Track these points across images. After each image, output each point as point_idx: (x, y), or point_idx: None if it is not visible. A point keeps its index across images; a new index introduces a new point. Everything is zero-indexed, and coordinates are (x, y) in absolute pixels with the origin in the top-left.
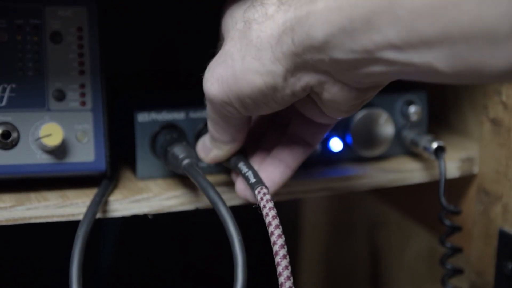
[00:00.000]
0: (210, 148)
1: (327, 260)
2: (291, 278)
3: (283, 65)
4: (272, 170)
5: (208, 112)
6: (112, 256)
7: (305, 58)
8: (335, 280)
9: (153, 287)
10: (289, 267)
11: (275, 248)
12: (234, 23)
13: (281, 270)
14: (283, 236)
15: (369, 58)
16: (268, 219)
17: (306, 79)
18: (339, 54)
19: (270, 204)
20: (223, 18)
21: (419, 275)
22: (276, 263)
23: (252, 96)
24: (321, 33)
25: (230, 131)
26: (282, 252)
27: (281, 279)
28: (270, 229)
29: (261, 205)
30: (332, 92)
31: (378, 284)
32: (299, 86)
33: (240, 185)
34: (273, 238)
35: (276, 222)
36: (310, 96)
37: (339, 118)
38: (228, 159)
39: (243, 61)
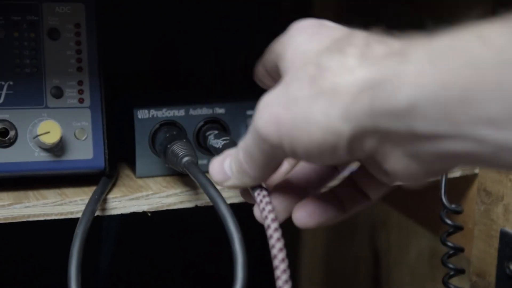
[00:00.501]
0: (229, 176)
1: (328, 260)
2: (289, 282)
3: (351, 125)
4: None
5: (248, 145)
6: (111, 254)
7: (378, 123)
8: (336, 280)
9: (152, 286)
10: (288, 271)
11: (274, 251)
12: (304, 63)
13: (280, 274)
14: (282, 239)
15: (456, 134)
16: (267, 222)
17: (370, 146)
18: (420, 126)
19: (270, 207)
20: (289, 47)
21: (420, 275)
22: (274, 266)
23: (307, 148)
24: (406, 98)
25: (263, 169)
26: (281, 255)
27: (279, 283)
28: (269, 232)
29: (260, 207)
30: (394, 164)
31: (379, 284)
32: (360, 151)
33: (257, 212)
34: (271, 241)
35: (275, 225)
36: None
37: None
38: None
39: (307, 111)
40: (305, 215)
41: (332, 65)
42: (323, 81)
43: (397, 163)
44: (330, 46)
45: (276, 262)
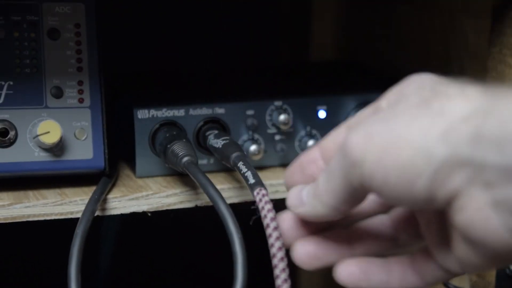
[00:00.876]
0: (303, 202)
1: None
2: (288, 280)
3: (446, 149)
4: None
5: (330, 165)
6: (111, 254)
7: (476, 154)
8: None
9: (152, 286)
10: (287, 269)
11: (273, 250)
12: (419, 90)
13: (279, 273)
14: (281, 238)
15: None
16: (266, 221)
17: (457, 183)
18: None
19: (269, 206)
20: (408, 81)
21: None
22: (273, 265)
23: (388, 170)
24: None
25: (340, 197)
26: (280, 254)
27: (278, 282)
28: (268, 231)
29: (260, 206)
30: (473, 215)
31: None
32: (442, 189)
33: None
34: (271, 240)
35: (274, 224)
36: (437, 221)
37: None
38: (227, 158)
39: (405, 126)
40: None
41: (451, 91)
42: (433, 102)
43: (476, 213)
44: (453, 80)
45: (275, 261)
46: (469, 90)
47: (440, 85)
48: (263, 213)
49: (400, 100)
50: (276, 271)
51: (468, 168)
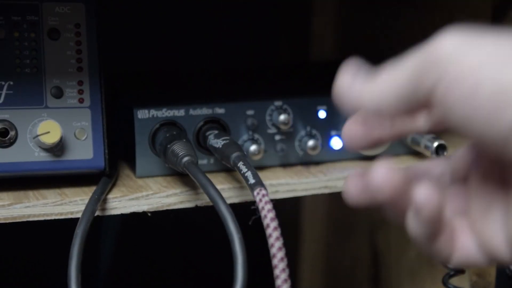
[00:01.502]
0: (352, 88)
1: (327, 260)
2: (288, 280)
3: None
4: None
5: (406, 60)
6: (111, 254)
7: None
8: (335, 280)
9: (152, 286)
10: (287, 269)
11: (273, 250)
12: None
13: (278, 273)
14: (281, 238)
15: None
16: (266, 221)
17: None
18: None
19: (269, 206)
20: None
21: (420, 275)
22: (273, 265)
23: (479, 89)
24: None
25: (401, 93)
26: (280, 254)
27: (278, 282)
28: (268, 231)
29: (260, 206)
30: None
31: (379, 284)
32: None
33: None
34: (271, 240)
35: (274, 224)
36: None
37: None
38: (228, 158)
39: None
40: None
41: None
42: None
43: None
44: None
45: (275, 261)
46: None
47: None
48: (263, 213)
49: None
50: (276, 271)
51: None
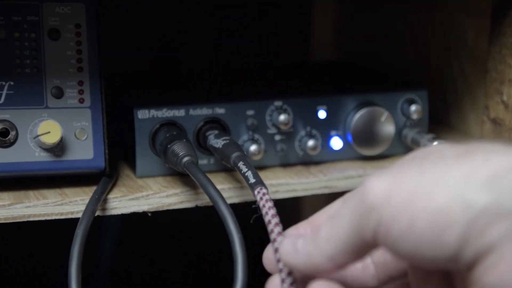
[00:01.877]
0: (298, 251)
1: None
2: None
3: (489, 197)
4: None
5: (342, 212)
6: (111, 254)
7: None
8: None
9: (152, 285)
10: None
11: (276, 245)
12: (452, 146)
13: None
14: (283, 234)
15: None
16: (267, 218)
17: (492, 236)
18: None
19: (270, 204)
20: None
21: None
22: (276, 259)
23: (415, 218)
24: None
25: (343, 248)
26: None
27: (282, 275)
28: (270, 227)
29: (261, 204)
30: (506, 274)
31: None
32: (477, 242)
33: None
34: (272, 236)
35: (275, 220)
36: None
37: None
38: (228, 159)
39: (442, 171)
40: None
41: (494, 147)
42: (478, 153)
43: (509, 274)
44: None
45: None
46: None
47: (474, 143)
48: (264, 211)
49: (432, 153)
50: (280, 265)
51: (508, 220)
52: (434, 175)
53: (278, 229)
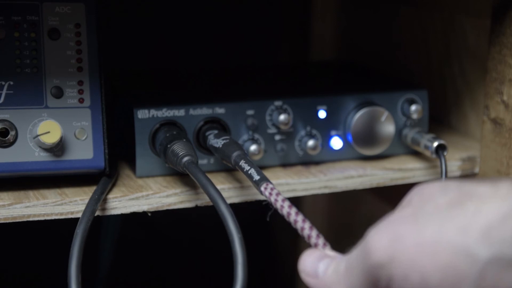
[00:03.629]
0: (318, 275)
1: None
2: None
3: (490, 250)
4: None
5: (353, 263)
6: (111, 254)
7: None
8: None
9: (152, 285)
10: (327, 244)
11: (305, 232)
12: (444, 191)
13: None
14: (307, 220)
15: None
16: (285, 210)
17: (506, 284)
18: None
19: (281, 197)
20: (420, 187)
21: None
22: (313, 244)
23: (425, 275)
24: None
25: None
26: (314, 232)
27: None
28: (292, 217)
29: (272, 200)
30: None
31: None
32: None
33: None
34: (299, 225)
35: (294, 210)
36: None
37: None
38: (228, 158)
39: (439, 228)
40: None
41: (483, 192)
42: (468, 203)
43: None
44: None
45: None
46: (502, 189)
47: (466, 185)
48: (278, 205)
49: (425, 201)
50: (311, 236)
51: None
52: (432, 230)
53: (301, 217)
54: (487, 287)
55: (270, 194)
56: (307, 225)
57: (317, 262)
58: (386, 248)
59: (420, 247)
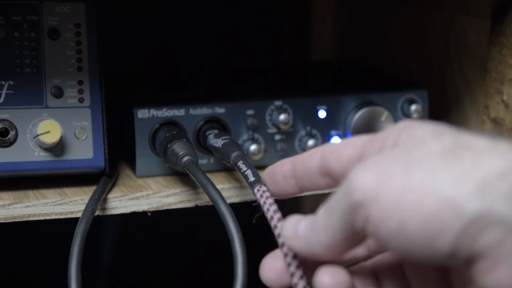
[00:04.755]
0: (299, 236)
1: None
2: (301, 267)
3: (479, 204)
4: None
5: (331, 200)
6: (111, 254)
7: None
8: None
9: (152, 285)
10: (296, 260)
11: (280, 240)
12: (438, 136)
13: (290, 260)
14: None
15: None
16: (269, 214)
17: (486, 242)
18: None
19: (270, 200)
20: (411, 124)
21: None
22: (283, 255)
23: (405, 221)
24: None
25: (337, 237)
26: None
27: (291, 269)
28: (273, 223)
29: (261, 202)
30: (504, 279)
31: None
32: (470, 247)
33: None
34: (276, 231)
35: (278, 215)
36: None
37: None
38: (228, 158)
39: (431, 173)
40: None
41: (481, 145)
42: (465, 155)
43: (507, 279)
44: (471, 131)
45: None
46: (501, 145)
47: (463, 136)
48: (265, 208)
49: (416, 144)
50: (284, 249)
51: (501, 227)
52: (422, 177)
53: (281, 224)
54: (465, 243)
55: (261, 196)
56: (280, 224)
57: (297, 223)
58: (369, 186)
59: (405, 192)
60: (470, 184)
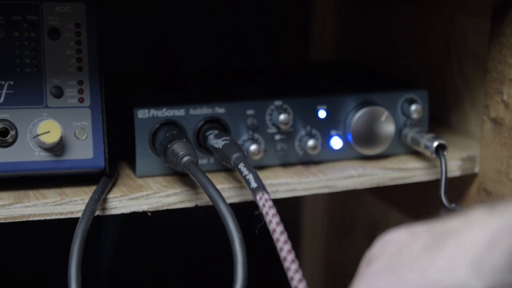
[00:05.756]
0: None
1: (327, 260)
2: (304, 280)
3: (485, 280)
4: None
5: None
6: (111, 254)
7: None
8: (335, 280)
9: (152, 285)
10: (300, 271)
11: (283, 253)
12: (415, 238)
13: (292, 275)
14: (289, 241)
15: None
16: (272, 226)
17: None
18: None
19: (273, 211)
20: (387, 237)
21: None
22: (285, 268)
23: None
24: None
25: None
26: (290, 257)
27: (294, 283)
28: (275, 235)
29: (264, 211)
30: None
31: None
32: None
33: None
34: (279, 244)
35: (280, 228)
36: None
37: None
38: (228, 159)
39: (422, 272)
40: None
41: (457, 226)
42: (445, 242)
43: None
44: (441, 220)
45: (286, 264)
46: (475, 217)
47: (435, 226)
48: (267, 219)
49: (397, 252)
50: (290, 273)
51: None
52: (415, 278)
53: (284, 237)
54: None
55: (264, 205)
56: (286, 247)
57: None
58: None
59: None
60: (463, 266)
